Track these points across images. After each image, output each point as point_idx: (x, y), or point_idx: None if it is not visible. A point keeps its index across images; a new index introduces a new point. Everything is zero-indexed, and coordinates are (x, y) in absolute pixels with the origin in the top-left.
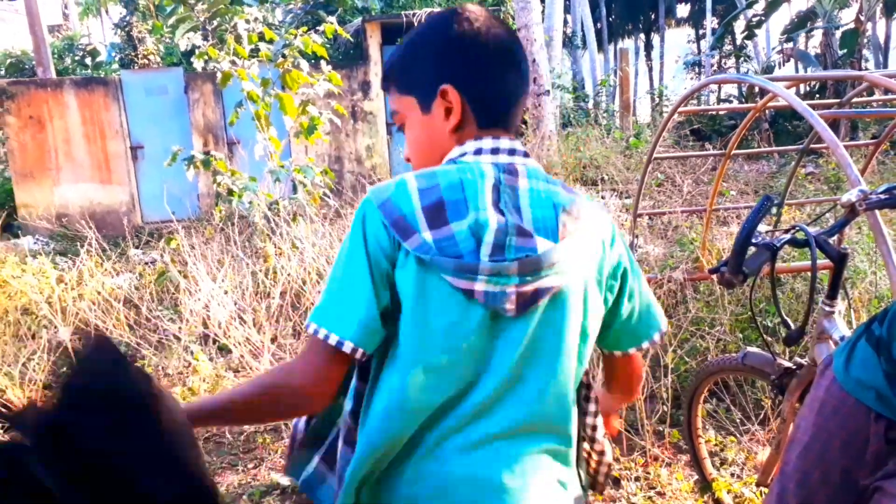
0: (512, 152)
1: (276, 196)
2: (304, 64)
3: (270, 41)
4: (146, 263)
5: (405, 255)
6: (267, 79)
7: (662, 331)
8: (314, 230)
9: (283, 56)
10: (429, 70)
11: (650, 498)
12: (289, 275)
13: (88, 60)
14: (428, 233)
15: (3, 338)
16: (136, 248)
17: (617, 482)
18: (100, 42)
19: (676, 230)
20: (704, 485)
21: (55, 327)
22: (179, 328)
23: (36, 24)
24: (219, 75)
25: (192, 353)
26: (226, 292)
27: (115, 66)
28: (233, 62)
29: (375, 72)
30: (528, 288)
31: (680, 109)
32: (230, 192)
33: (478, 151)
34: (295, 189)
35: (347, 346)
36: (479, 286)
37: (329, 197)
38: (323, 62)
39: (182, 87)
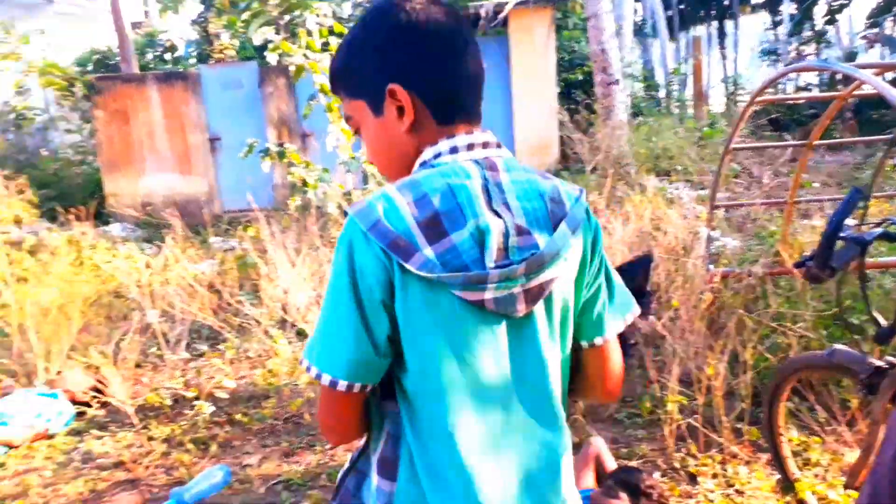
0: (486, 145)
1: (347, 187)
2: None
3: (340, 34)
4: (225, 251)
5: (404, 275)
6: None
7: (636, 312)
8: None
9: None
10: (372, 70)
11: (728, 496)
12: None
13: (168, 56)
14: (429, 249)
15: (97, 319)
16: (216, 236)
17: (693, 478)
18: (178, 38)
19: (754, 223)
20: (787, 485)
21: (144, 310)
22: (260, 313)
23: (120, 21)
24: (292, 69)
25: (271, 336)
26: (304, 279)
27: (192, 60)
28: (305, 56)
29: None
30: (534, 285)
31: (759, 98)
32: (304, 183)
33: (453, 150)
34: (366, 179)
35: (342, 385)
36: (489, 294)
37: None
38: None
39: (256, 81)
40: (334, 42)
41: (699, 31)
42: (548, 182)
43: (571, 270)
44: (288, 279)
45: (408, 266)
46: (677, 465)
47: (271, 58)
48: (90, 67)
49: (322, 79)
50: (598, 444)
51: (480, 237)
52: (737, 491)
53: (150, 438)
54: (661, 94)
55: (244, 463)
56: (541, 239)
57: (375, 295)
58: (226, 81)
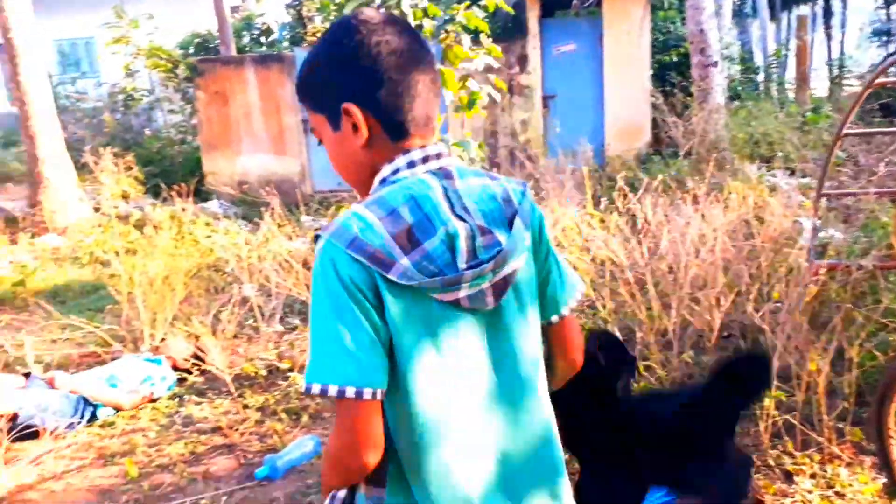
0: (439, 156)
1: None
2: (465, 39)
3: (433, 16)
4: (315, 229)
5: (385, 284)
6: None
7: (583, 290)
8: None
9: (446, 31)
10: (330, 89)
11: (827, 497)
12: None
13: (263, 38)
14: (405, 259)
15: (198, 291)
16: (307, 214)
17: (789, 476)
18: (273, 21)
19: (862, 213)
20: (894, 489)
21: (241, 283)
22: None
23: (220, 5)
24: None
25: None
26: None
27: (286, 43)
28: None
29: (533, 45)
30: (498, 279)
31: (878, 81)
32: None
33: (410, 164)
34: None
35: (368, 393)
36: (463, 293)
37: (487, 169)
38: (483, 36)
39: None
40: (428, 24)
41: (803, 10)
42: (496, 183)
43: (527, 260)
44: None
45: (389, 276)
46: (772, 462)
47: None
48: (191, 50)
49: None
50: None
51: (450, 242)
52: (837, 493)
53: (245, 406)
54: (760, 77)
55: None
56: (501, 237)
57: (369, 299)
58: None
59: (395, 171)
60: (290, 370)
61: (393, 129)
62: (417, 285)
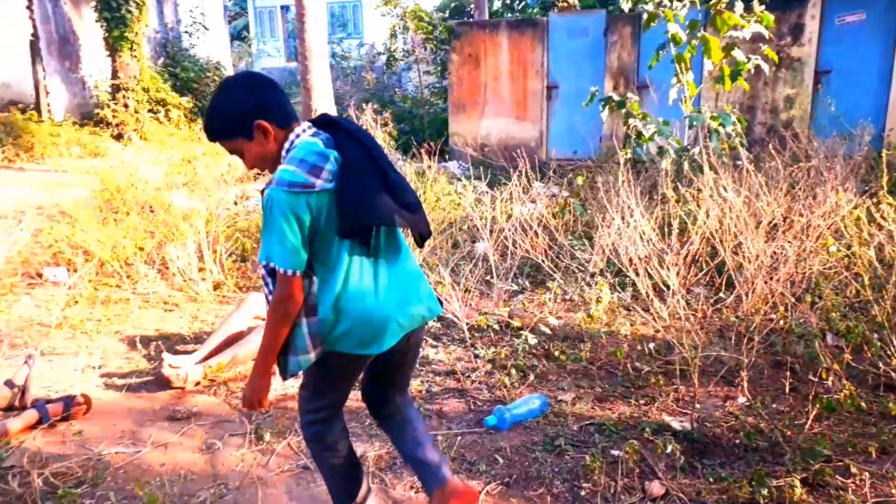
0: (309, 127)
1: (685, 142)
2: (738, 5)
3: None
4: (550, 196)
5: (314, 199)
6: (695, 20)
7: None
8: (724, 184)
9: None
10: (245, 119)
11: None
12: (704, 223)
13: (515, 4)
14: (319, 180)
15: (443, 246)
16: (541, 181)
17: None
18: None
19: None
20: None
21: (481, 241)
22: (588, 259)
23: None
24: (644, 17)
25: (597, 283)
26: (641, 232)
27: (535, 9)
28: (659, 3)
29: (813, 13)
30: None
31: None
32: (638, 136)
33: (297, 136)
34: (708, 136)
35: (289, 272)
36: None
37: (745, 146)
38: (756, 2)
39: (602, 30)
40: None
41: None
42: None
43: None
44: (619, 229)
45: (315, 191)
46: None
47: (625, 5)
48: (447, 14)
49: (675, 27)
50: None
51: (336, 163)
52: None
53: (476, 356)
54: None
55: (559, 398)
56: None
57: (304, 218)
58: (572, 30)
59: (296, 137)
60: (521, 329)
61: (283, 123)
62: (328, 192)
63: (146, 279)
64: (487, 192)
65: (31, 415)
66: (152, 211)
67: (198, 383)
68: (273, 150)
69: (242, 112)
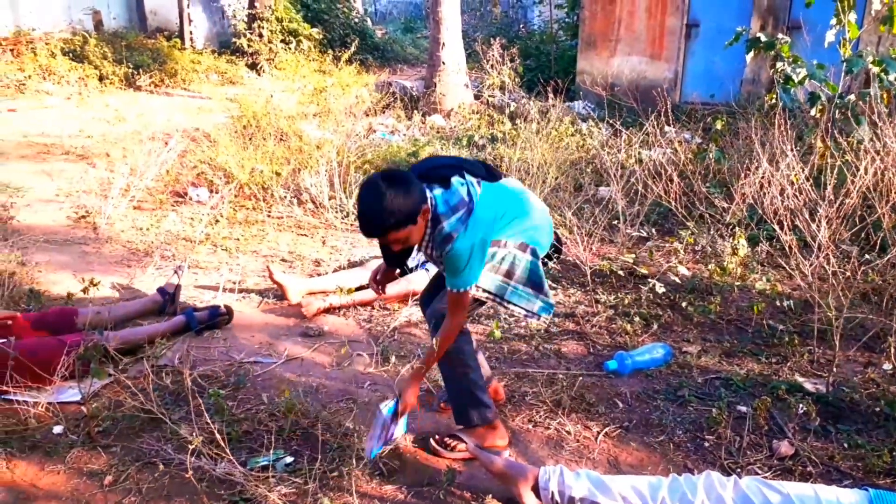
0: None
1: (841, 89)
2: None
3: None
4: (680, 142)
5: None
6: None
7: None
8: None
9: None
10: (410, 211)
11: None
12: (863, 176)
13: None
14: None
15: (566, 189)
16: (672, 125)
17: None
18: None
19: None
20: None
21: (603, 185)
22: (726, 209)
23: None
24: None
25: (734, 234)
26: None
27: None
28: None
29: None
30: None
31: None
32: (787, 80)
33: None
34: (868, 82)
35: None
36: None
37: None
38: None
39: None
40: None
41: None
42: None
43: None
44: (762, 178)
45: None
46: None
47: None
48: None
49: None
50: None
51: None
52: None
53: (597, 301)
54: None
55: (683, 349)
56: None
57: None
58: None
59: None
60: (647, 277)
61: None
62: None
63: (283, 203)
64: (616, 135)
65: (180, 321)
66: (283, 140)
67: (320, 311)
68: (423, 224)
69: (410, 206)
